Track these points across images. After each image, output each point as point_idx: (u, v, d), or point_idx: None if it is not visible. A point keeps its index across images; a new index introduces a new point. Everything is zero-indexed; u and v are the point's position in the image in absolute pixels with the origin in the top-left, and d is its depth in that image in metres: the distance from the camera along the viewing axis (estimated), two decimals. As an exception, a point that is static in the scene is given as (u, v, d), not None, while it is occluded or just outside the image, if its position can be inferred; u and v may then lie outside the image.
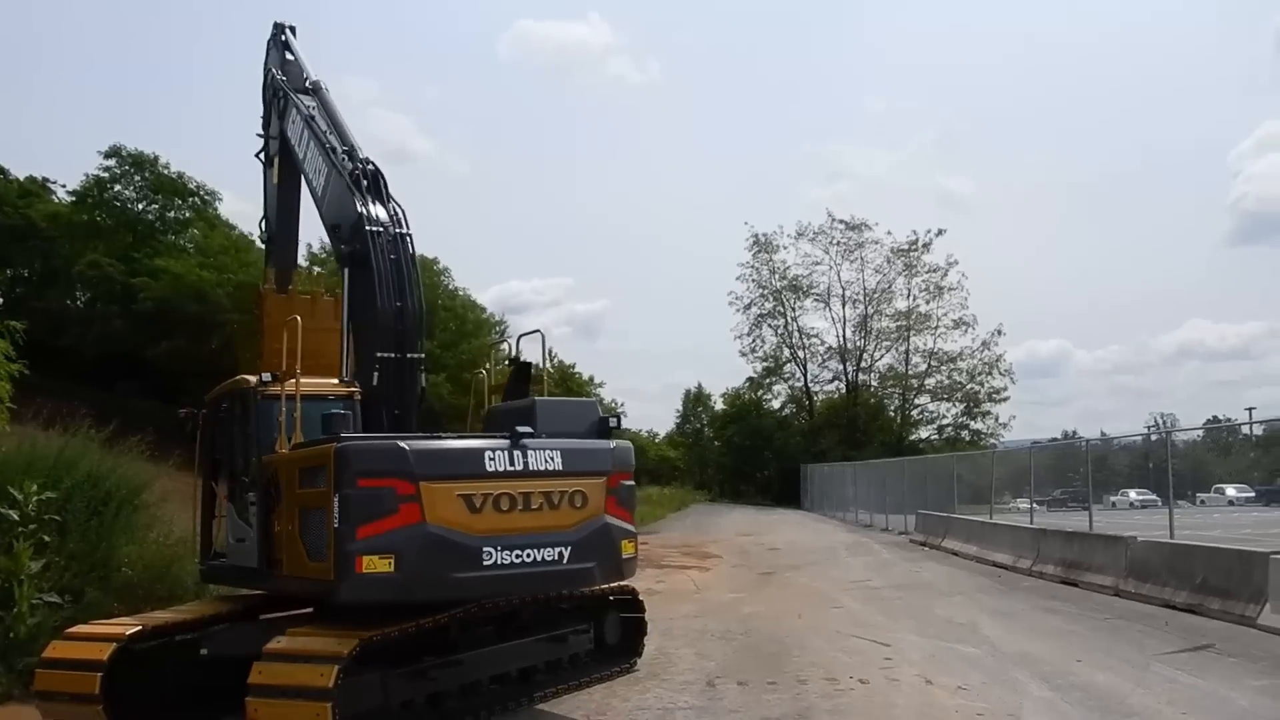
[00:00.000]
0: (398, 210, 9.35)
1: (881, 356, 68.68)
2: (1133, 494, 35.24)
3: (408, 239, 9.20)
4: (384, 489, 7.45)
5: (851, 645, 11.93)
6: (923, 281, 66.53)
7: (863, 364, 68.40)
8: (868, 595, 16.94)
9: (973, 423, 65.30)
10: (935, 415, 67.40)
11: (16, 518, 11.08)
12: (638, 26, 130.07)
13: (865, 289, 67.83)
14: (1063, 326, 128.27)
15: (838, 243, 67.61)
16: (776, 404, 72.11)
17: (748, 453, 69.17)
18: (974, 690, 9.32)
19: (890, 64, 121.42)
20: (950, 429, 65.79)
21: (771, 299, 69.61)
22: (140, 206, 38.84)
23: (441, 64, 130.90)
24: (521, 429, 8.21)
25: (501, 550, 7.75)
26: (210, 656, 8.40)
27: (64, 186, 39.80)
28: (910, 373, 67.30)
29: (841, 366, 68.82)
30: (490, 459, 7.87)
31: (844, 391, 68.51)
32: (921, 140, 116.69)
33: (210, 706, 8.48)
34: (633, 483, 9.08)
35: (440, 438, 8.16)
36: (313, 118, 10.68)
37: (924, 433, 66.55)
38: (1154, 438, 30.82)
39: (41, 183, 40.22)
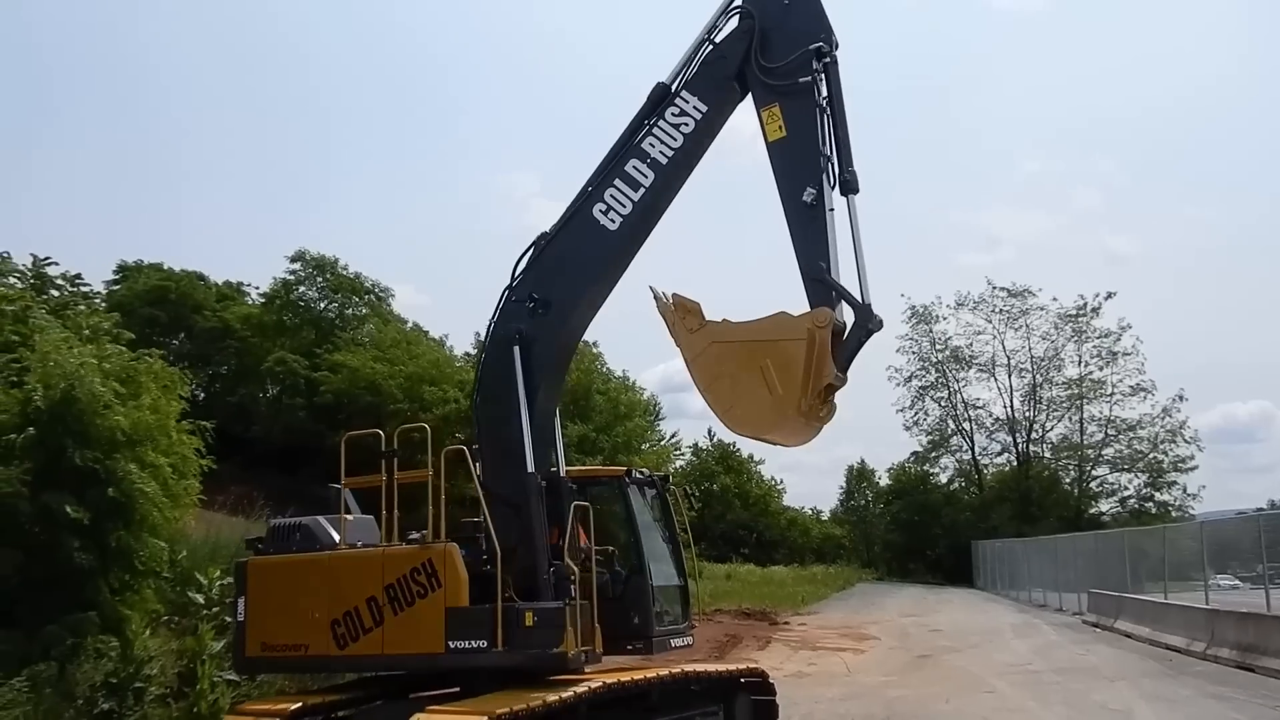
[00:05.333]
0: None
1: (1053, 426, 66.03)
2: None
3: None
4: None
5: (993, 731, 11.69)
6: (1094, 347, 63.97)
7: (1033, 435, 65.89)
8: (1024, 679, 16.41)
9: (1157, 494, 61.64)
10: (1116, 487, 64.01)
11: (202, 601, 12.29)
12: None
13: (1032, 357, 65.70)
14: (1264, 387, 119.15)
15: (1000, 311, 65.89)
16: (944, 478, 70.07)
17: (915, 529, 67.16)
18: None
19: (1040, 121, 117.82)
20: (1133, 501, 62.30)
21: (933, 371, 68.18)
22: (322, 306, 41.81)
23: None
24: None
25: None
26: (364, 732, 9.07)
27: (256, 289, 43.40)
28: (1086, 443, 64.29)
29: (1011, 438, 66.47)
30: None
31: (1015, 464, 65.96)
32: (1083, 199, 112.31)
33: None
34: None
35: None
36: None
37: (1104, 505, 63.29)
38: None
39: (236, 287, 43.91)
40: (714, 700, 10.33)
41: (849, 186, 9.12)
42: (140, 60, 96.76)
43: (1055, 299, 64.75)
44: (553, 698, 8.30)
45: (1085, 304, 63.74)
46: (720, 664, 12.47)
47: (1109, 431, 63.58)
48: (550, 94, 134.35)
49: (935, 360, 67.84)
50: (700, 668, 10.36)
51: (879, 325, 8.85)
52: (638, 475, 11.09)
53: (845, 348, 8.67)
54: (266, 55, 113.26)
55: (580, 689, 8.64)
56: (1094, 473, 64.24)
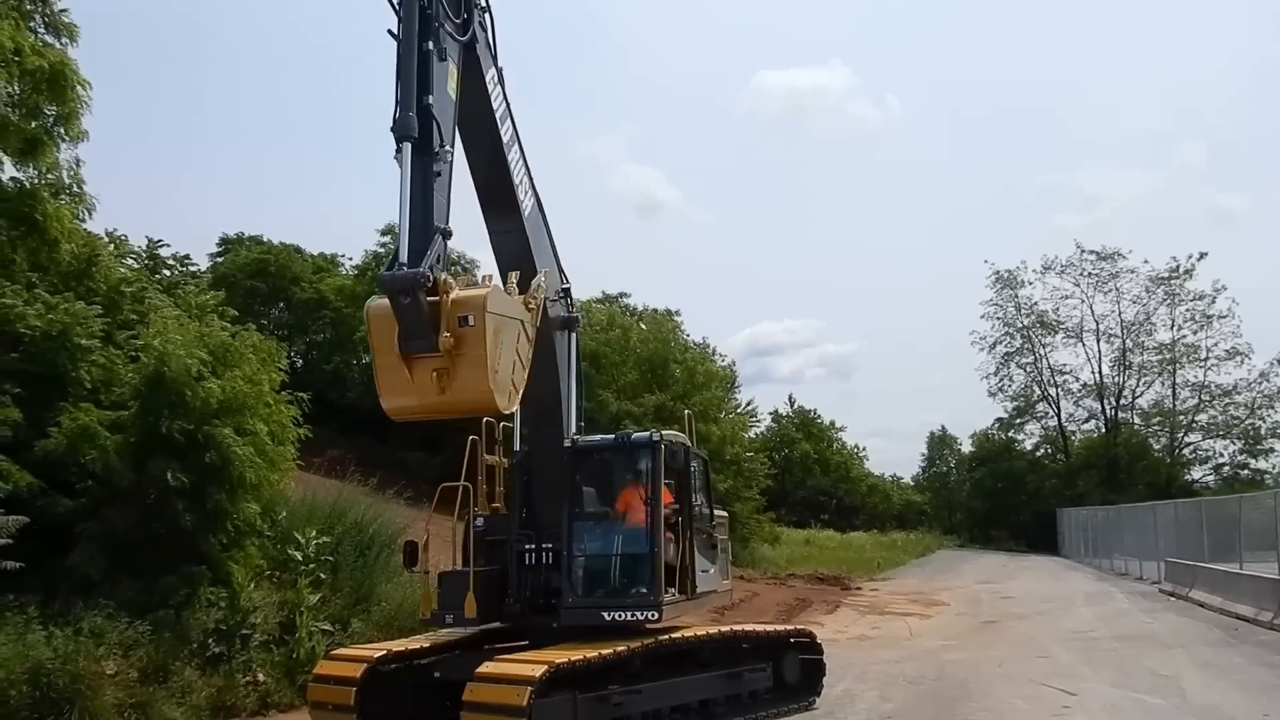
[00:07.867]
0: None
1: (1144, 392, 64.54)
2: None
3: None
4: None
5: (1035, 693, 12.21)
6: (1187, 310, 62.07)
7: (1123, 401, 64.53)
8: (1083, 645, 16.78)
9: (1254, 461, 60.01)
10: (1210, 454, 62.38)
11: (300, 558, 13.47)
12: (876, 66, 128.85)
13: (1122, 321, 64.11)
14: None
15: (1088, 275, 64.27)
16: (1029, 445, 69.14)
17: (999, 496, 66.58)
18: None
19: (1142, 77, 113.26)
20: (1228, 469, 60.76)
21: (1018, 336, 67.07)
22: (410, 277, 43.43)
23: (686, 117, 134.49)
24: None
25: None
26: (442, 679, 10.04)
27: (349, 259, 45.14)
28: (1178, 409, 62.76)
29: (1099, 404, 65.19)
30: None
31: (1103, 430, 64.80)
32: (1186, 155, 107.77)
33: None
34: None
35: None
36: None
37: (1198, 473, 61.79)
38: None
39: (331, 259, 45.69)
40: (763, 658, 11.07)
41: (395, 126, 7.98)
42: (227, 44, 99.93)
43: (1146, 261, 63.16)
44: (607, 651, 9.14)
45: (1178, 266, 61.94)
46: (769, 624, 13.21)
47: (1203, 397, 61.96)
48: (632, 58, 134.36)
49: (1020, 326, 66.76)
50: (748, 627, 11.14)
51: (395, 285, 7.62)
52: (583, 442, 10.86)
53: (400, 317, 7.65)
54: (354, 37, 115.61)
55: (634, 644, 9.48)
56: (1186, 440, 62.77)
